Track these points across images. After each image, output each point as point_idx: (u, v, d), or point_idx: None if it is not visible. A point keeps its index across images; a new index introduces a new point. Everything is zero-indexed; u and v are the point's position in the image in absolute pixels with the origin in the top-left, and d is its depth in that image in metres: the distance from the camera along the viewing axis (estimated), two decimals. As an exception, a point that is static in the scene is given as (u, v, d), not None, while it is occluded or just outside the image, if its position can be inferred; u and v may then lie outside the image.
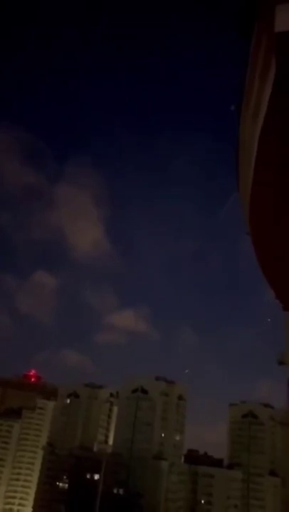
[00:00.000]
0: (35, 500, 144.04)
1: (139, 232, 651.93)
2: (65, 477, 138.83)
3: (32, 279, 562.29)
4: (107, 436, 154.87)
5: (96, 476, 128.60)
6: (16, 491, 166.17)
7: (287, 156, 6.11)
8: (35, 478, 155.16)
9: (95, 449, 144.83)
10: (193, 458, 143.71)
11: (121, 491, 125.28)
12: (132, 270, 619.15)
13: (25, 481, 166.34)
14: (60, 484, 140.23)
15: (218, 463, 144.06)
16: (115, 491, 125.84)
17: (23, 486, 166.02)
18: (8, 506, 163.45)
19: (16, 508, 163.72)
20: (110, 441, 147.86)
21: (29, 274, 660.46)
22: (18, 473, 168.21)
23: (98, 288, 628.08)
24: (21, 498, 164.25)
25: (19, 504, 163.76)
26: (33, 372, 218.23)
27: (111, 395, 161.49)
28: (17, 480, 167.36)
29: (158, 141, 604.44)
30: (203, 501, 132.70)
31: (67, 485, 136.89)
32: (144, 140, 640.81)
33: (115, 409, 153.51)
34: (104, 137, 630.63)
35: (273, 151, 6.88)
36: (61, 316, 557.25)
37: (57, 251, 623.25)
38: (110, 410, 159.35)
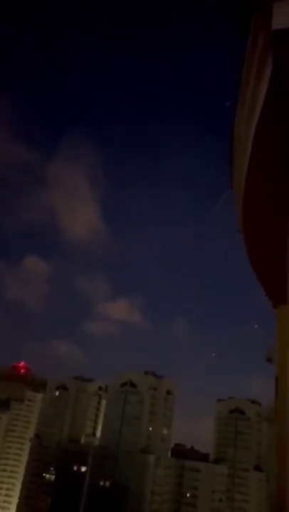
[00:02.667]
0: (22, 491, 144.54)
1: (136, 215, 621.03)
2: (52, 469, 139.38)
3: (22, 265, 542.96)
4: (95, 429, 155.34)
5: (83, 469, 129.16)
6: (2, 482, 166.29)
7: (281, 154, 6.13)
8: (22, 469, 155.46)
9: (83, 441, 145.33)
10: (180, 452, 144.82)
11: (107, 484, 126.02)
12: (128, 257, 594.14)
13: (11, 471, 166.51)
14: (47, 476, 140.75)
15: (204, 457, 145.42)
16: (102, 483, 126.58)
17: (9, 477, 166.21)
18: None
19: (1, 498, 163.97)
20: (98, 434, 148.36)
21: (19, 259, 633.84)
22: (5, 464, 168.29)
23: (91, 275, 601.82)
24: (7, 489, 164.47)
25: (5, 495, 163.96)
26: (22, 363, 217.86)
27: (100, 388, 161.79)
28: (3, 471, 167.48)
29: (155, 119, 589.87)
30: (188, 494, 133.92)
31: (53, 476, 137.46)
32: (142, 115, 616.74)
33: (104, 402, 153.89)
34: (101, 111, 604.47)
35: (268, 148, 6.89)
36: (52, 304, 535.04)
37: (49, 234, 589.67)
38: (99, 403, 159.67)
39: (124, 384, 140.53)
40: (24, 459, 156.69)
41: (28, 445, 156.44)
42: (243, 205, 8.11)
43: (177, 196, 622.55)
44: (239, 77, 7.72)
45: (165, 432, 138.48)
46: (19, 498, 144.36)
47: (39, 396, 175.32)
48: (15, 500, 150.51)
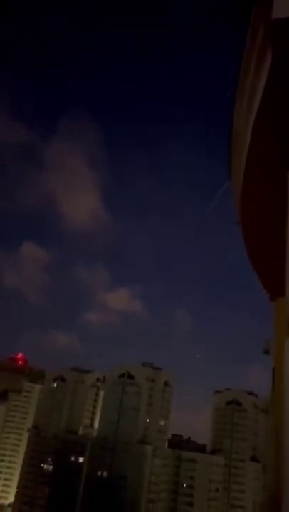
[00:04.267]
0: (20, 481, 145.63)
1: (137, 202, 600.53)
2: (49, 459, 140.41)
3: (19, 252, 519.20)
4: (92, 420, 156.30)
5: (81, 459, 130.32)
6: (0, 472, 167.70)
7: (280, 146, 6.11)
8: (20, 460, 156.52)
9: (81, 432, 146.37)
10: (177, 443, 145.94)
11: (105, 474, 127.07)
12: (128, 245, 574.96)
13: (9, 462, 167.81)
14: (45, 466, 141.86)
15: (201, 448, 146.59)
16: (99, 473, 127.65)
17: (7, 468, 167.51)
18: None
19: (0, 488, 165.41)
20: (96, 425, 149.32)
21: (16, 245, 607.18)
22: (3, 455, 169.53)
23: (91, 263, 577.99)
24: (5, 479, 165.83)
25: (3, 485, 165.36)
26: (20, 355, 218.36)
27: (98, 379, 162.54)
28: (1, 461, 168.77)
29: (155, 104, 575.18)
30: (185, 485, 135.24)
31: (51, 467, 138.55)
32: (147, 99, 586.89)
33: (101, 393, 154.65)
34: (102, 90, 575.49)
35: (267, 140, 6.86)
36: (50, 293, 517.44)
37: (47, 221, 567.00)
38: (96, 395, 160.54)
39: (122, 375, 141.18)
40: (22, 449, 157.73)
41: (26, 436, 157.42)
42: (241, 197, 8.09)
43: (179, 184, 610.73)
44: (238, 69, 7.66)
45: (162, 423, 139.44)
46: (17, 488, 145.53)
47: (37, 387, 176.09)
48: (13, 490, 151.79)
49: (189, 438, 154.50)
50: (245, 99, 7.40)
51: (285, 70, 5.79)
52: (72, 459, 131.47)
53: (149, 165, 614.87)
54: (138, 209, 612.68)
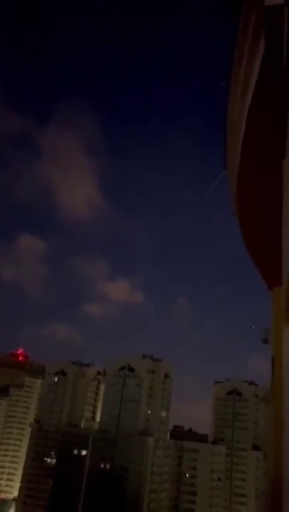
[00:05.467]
0: (23, 475, 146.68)
1: (137, 191, 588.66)
2: (52, 453, 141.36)
3: (16, 243, 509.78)
4: (94, 413, 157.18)
5: (83, 452, 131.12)
6: (4, 467, 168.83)
7: (275, 134, 6.08)
8: (23, 454, 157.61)
9: (82, 425, 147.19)
10: (179, 434, 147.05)
11: (108, 466, 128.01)
12: (128, 233, 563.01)
13: (13, 456, 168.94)
14: (48, 460, 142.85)
15: (203, 438, 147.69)
16: (102, 465, 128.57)
17: (11, 462, 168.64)
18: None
19: (4, 482, 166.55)
20: (97, 418, 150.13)
21: (13, 237, 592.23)
22: (6, 450, 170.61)
23: (90, 253, 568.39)
24: (9, 474, 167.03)
25: (7, 479, 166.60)
26: (20, 351, 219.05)
27: (98, 372, 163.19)
28: (5, 456, 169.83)
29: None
30: (187, 475, 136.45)
31: (54, 460, 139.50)
32: (147, 81, 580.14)
33: (102, 387, 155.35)
34: (100, 75, 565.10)
35: (262, 127, 6.83)
36: (49, 285, 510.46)
37: (44, 210, 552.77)
38: (97, 388, 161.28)
39: (122, 368, 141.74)
40: (25, 443, 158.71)
41: (28, 430, 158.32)
42: (237, 186, 8.07)
43: (180, 172, 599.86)
44: (232, 58, 7.61)
45: (163, 414, 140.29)
46: (21, 482, 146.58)
47: (38, 382, 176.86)
48: (17, 484, 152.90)
49: (191, 429, 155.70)
50: (239, 88, 7.37)
51: (278, 57, 5.75)
52: (75, 452, 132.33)
53: (148, 152, 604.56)
54: (137, 197, 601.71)
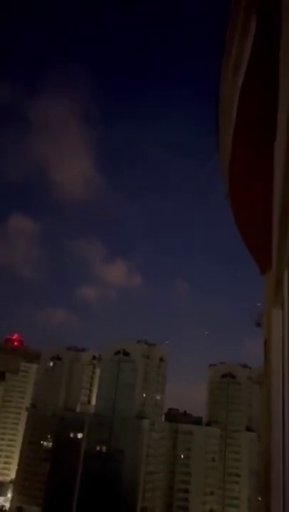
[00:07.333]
0: (21, 458, 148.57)
1: (137, 163, 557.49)
2: (49, 436, 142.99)
3: (7, 225, 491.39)
4: (89, 398, 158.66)
5: (79, 435, 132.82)
6: (1, 450, 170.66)
7: (266, 114, 6.00)
8: (19, 438, 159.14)
9: (78, 409, 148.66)
10: (174, 416, 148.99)
11: (104, 449, 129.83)
12: (126, 213, 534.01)
13: (10, 440, 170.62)
14: (45, 443, 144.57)
15: (197, 421, 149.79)
16: (98, 448, 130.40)
17: (8, 446, 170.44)
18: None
19: (1, 466, 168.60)
20: (93, 403, 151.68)
21: (3, 218, 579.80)
22: (3, 434, 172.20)
23: (86, 234, 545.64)
24: (6, 457, 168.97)
25: (5, 462, 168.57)
26: (15, 336, 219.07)
27: (94, 357, 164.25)
28: (2, 440, 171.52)
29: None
30: (182, 456, 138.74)
31: (51, 444, 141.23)
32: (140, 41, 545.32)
33: (98, 371, 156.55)
34: (95, 34, 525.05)
35: (254, 108, 6.74)
36: (43, 267, 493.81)
37: (36, 189, 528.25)
38: (93, 372, 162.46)
39: (118, 353, 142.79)
40: (21, 428, 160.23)
41: (24, 415, 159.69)
42: (229, 170, 7.99)
43: (182, 148, 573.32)
44: (223, 38, 7.47)
45: (158, 397, 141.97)
46: (18, 465, 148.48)
47: (33, 367, 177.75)
48: (14, 467, 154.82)
49: (185, 411, 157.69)
50: (230, 66, 7.24)
51: (269, 37, 5.64)
52: (71, 435, 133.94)
53: (147, 125, 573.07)
54: (136, 174, 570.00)
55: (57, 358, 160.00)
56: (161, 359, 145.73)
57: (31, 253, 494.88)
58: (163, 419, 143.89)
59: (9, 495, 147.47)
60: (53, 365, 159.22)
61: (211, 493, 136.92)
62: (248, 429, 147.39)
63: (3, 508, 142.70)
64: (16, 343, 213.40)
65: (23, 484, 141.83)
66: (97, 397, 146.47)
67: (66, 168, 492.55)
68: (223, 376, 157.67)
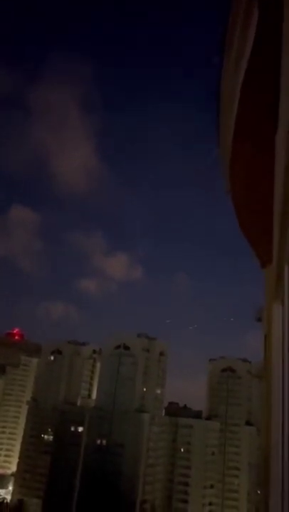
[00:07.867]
0: (21, 451, 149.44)
1: (137, 150, 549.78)
2: (49, 430, 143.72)
3: (7, 216, 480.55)
4: (90, 391, 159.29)
5: (80, 429, 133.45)
6: (2, 443, 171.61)
7: (268, 107, 5.95)
8: (20, 431, 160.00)
9: (79, 403, 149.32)
10: (174, 410, 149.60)
11: (104, 442, 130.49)
12: (127, 204, 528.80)
13: (10, 433, 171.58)
14: (45, 437, 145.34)
15: (197, 415, 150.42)
16: (98, 442, 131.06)
17: (8, 439, 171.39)
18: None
19: (2, 459, 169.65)
20: (93, 396, 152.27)
21: (3, 209, 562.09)
22: (4, 427, 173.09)
23: (87, 226, 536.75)
24: (7, 450, 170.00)
25: (5, 455, 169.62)
26: (16, 330, 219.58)
27: (94, 351, 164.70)
28: (2, 433, 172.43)
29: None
30: (182, 450, 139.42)
31: (52, 437, 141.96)
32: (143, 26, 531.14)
33: (98, 365, 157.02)
34: (96, 18, 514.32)
35: (254, 104, 6.68)
36: (43, 259, 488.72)
37: (37, 180, 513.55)
38: (93, 366, 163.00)
39: (118, 347, 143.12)
40: (22, 421, 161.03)
41: (25, 408, 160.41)
42: (229, 164, 7.94)
43: (183, 137, 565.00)
44: (225, 28, 7.39)
45: (159, 391, 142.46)
46: (19, 459, 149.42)
47: (34, 361, 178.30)
48: (15, 460, 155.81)
49: (185, 405, 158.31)
50: (232, 58, 7.17)
51: (272, 27, 5.57)
52: (72, 429, 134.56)
53: (150, 111, 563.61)
54: (138, 165, 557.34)
55: (57, 352, 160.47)
56: (161, 353, 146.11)
57: (31, 245, 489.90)
58: (163, 413, 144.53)
59: (10, 487, 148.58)
60: (54, 358, 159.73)
61: (211, 486, 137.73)
62: (248, 423, 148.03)
63: (5, 501, 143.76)
64: (16, 337, 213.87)
65: (24, 477, 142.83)
66: (97, 391, 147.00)
67: (67, 160, 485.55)
68: (223, 370, 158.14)
